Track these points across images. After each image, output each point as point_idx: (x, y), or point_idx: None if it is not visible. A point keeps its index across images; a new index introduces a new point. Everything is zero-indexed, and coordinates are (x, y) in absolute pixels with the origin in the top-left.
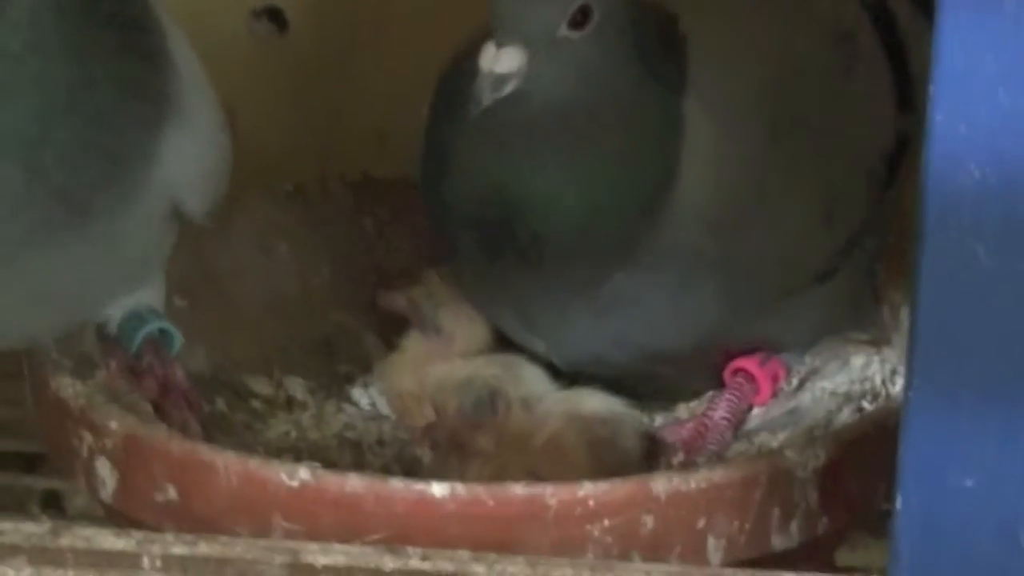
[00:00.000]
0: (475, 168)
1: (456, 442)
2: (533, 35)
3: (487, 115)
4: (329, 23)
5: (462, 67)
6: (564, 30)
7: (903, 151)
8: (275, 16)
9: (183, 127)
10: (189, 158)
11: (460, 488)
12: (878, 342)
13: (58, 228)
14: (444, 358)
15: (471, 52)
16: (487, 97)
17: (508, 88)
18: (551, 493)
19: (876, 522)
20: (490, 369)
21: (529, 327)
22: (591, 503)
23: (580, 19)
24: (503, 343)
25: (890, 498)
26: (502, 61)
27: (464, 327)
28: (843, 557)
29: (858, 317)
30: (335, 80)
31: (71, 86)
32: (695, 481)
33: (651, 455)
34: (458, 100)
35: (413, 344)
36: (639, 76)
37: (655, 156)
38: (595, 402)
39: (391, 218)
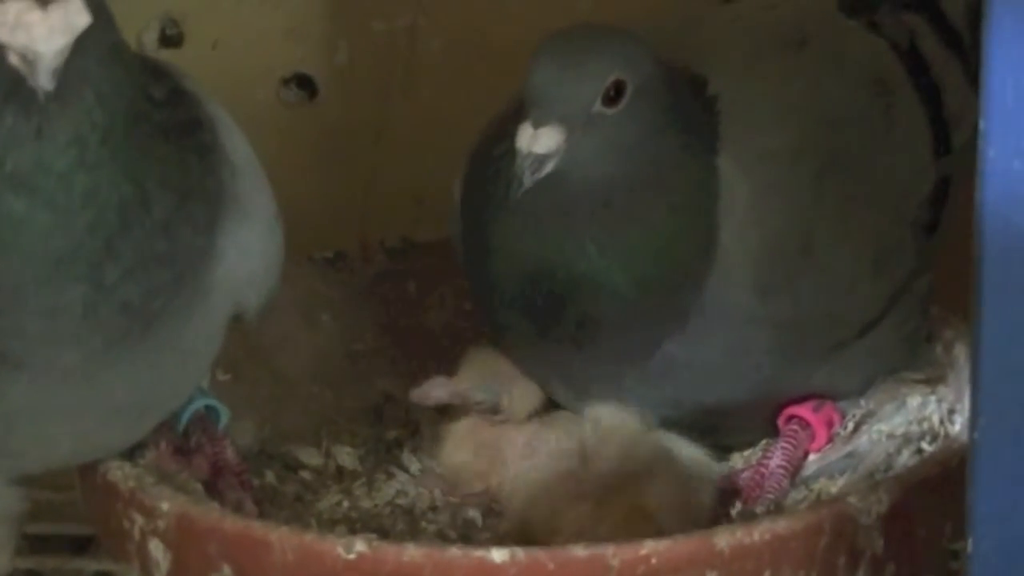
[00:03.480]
0: (518, 251)
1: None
2: (569, 113)
3: (526, 196)
4: (359, 88)
5: (491, 146)
6: (599, 106)
7: (944, 193)
8: (305, 83)
9: (242, 222)
10: (249, 253)
11: (520, 553)
12: (933, 381)
13: (125, 341)
14: (494, 428)
15: (499, 131)
16: (528, 179)
17: (548, 168)
18: (613, 553)
19: (939, 564)
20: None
21: (582, 397)
22: (654, 561)
23: (614, 95)
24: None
25: (955, 539)
26: (541, 141)
27: (519, 397)
28: None
29: (911, 359)
30: (368, 145)
31: (123, 200)
32: (758, 533)
33: (722, 502)
34: (493, 181)
35: (459, 415)
36: (673, 143)
37: (695, 221)
38: (688, 451)
39: (434, 281)
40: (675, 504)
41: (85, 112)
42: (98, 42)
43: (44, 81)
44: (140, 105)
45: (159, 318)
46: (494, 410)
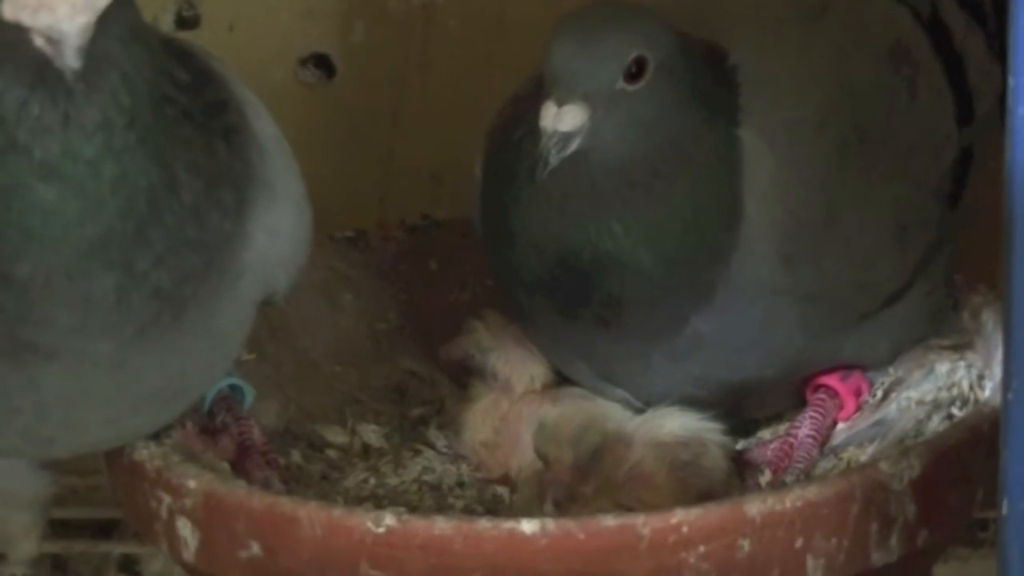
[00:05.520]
0: (542, 233)
1: (569, 492)
2: (592, 91)
3: (550, 177)
4: (376, 67)
5: (511, 128)
6: (621, 83)
7: (967, 163)
8: (322, 63)
9: (271, 204)
10: (279, 235)
11: (550, 523)
12: (961, 347)
13: (156, 327)
14: (514, 403)
15: (518, 112)
16: (554, 157)
17: (573, 146)
18: (643, 522)
19: (969, 532)
20: (595, 412)
21: (607, 377)
22: (685, 530)
23: (636, 71)
24: (561, 375)
25: (986, 506)
26: (565, 119)
27: (519, 369)
28: (937, 570)
29: (939, 326)
30: (386, 124)
31: (152, 185)
32: (790, 500)
33: (739, 472)
34: (515, 163)
35: (481, 393)
36: (695, 117)
37: (719, 194)
38: (674, 424)
39: (455, 258)
40: (666, 490)
41: (111, 96)
42: (120, 23)
43: (71, 60)
44: (165, 87)
45: (190, 303)
46: (488, 371)
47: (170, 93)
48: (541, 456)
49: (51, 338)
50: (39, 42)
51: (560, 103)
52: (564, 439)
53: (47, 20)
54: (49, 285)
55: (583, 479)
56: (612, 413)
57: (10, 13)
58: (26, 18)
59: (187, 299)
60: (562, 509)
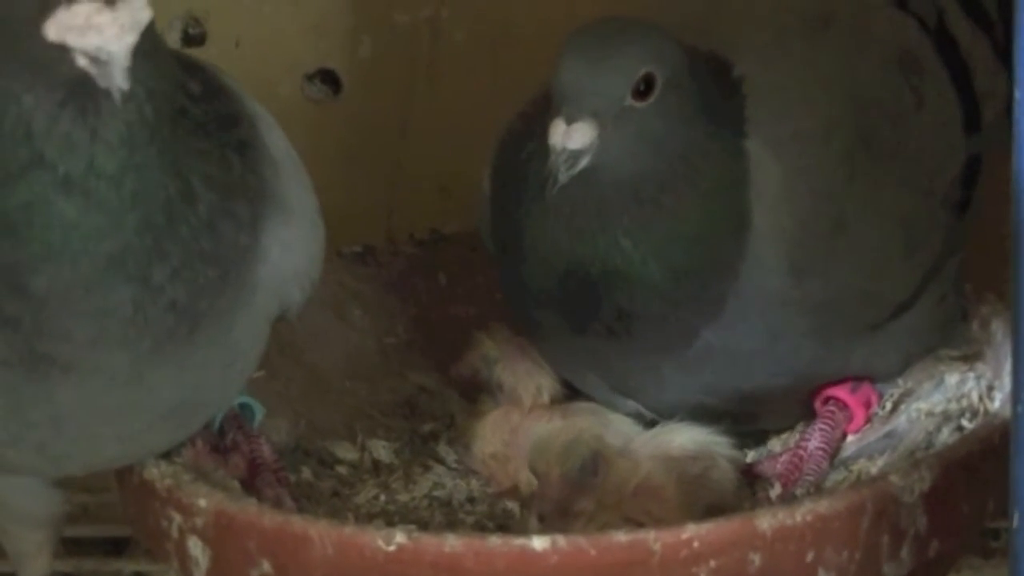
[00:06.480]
0: (552, 248)
1: (561, 508)
2: (601, 108)
3: (559, 193)
4: (383, 82)
5: (519, 144)
6: (630, 100)
7: (975, 171)
8: (329, 78)
9: (284, 219)
10: (293, 250)
11: (561, 540)
12: (970, 358)
13: (172, 341)
14: (524, 415)
15: (526, 127)
16: (563, 175)
17: (582, 163)
18: (655, 538)
19: (981, 541)
20: (586, 427)
21: (618, 389)
22: (696, 544)
23: (645, 88)
24: (572, 387)
25: (997, 517)
26: (574, 137)
27: (525, 381)
28: None
29: (948, 336)
30: (393, 138)
31: (170, 200)
32: (800, 514)
33: (749, 485)
34: (523, 179)
35: (490, 408)
36: (702, 131)
37: (727, 207)
38: (683, 438)
39: (464, 272)
40: (674, 505)
41: (138, 111)
42: (144, 39)
43: (121, 81)
44: (180, 100)
45: (206, 317)
46: (493, 383)
47: (185, 106)
48: (533, 471)
49: (68, 351)
50: (82, 62)
51: (569, 121)
52: (552, 454)
53: (95, 41)
54: (67, 298)
55: (577, 493)
56: (618, 427)
57: (55, 34)
58: (72, 39)
59: (203, 313)
60: (549, 523)
